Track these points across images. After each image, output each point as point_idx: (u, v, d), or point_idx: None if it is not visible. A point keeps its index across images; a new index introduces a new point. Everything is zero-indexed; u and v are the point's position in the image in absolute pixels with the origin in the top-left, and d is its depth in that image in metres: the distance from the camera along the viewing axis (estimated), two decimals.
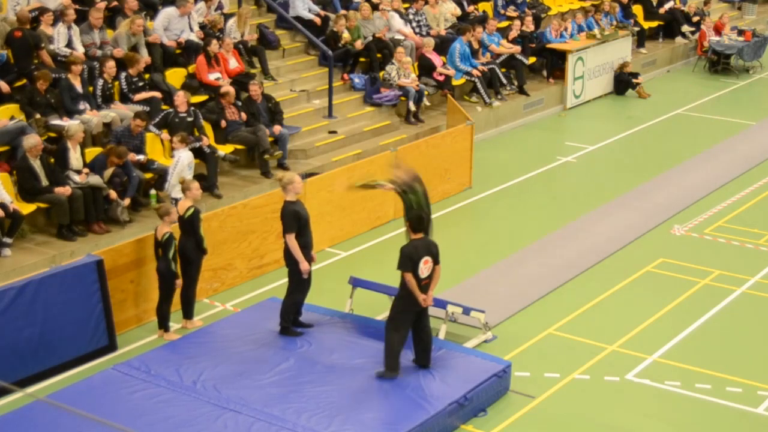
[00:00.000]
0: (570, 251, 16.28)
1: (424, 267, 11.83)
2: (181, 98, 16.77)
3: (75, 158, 15.20)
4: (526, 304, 14.49)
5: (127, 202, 15.44)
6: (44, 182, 14.74)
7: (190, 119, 16.79)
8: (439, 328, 13.26)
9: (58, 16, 17.04)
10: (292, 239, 12.63)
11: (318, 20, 21.38)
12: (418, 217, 12.12)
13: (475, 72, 22.06)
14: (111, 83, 16.80)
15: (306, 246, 12.77)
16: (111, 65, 16.70)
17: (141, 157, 15.94)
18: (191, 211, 13.24)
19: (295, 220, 12.64)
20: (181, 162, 15.22)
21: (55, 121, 15.83)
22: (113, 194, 15.22)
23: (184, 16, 18.86)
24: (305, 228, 12.78)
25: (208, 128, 17.44)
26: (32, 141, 14.67)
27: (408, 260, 11.76)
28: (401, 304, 11.94)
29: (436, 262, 11.99)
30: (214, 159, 16.77)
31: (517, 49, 23.25)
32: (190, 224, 13.23)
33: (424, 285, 11.87)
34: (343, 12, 21.82)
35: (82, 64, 16.43)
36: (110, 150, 15.45)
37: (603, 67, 25.22)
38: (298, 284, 12.85)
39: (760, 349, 13.57)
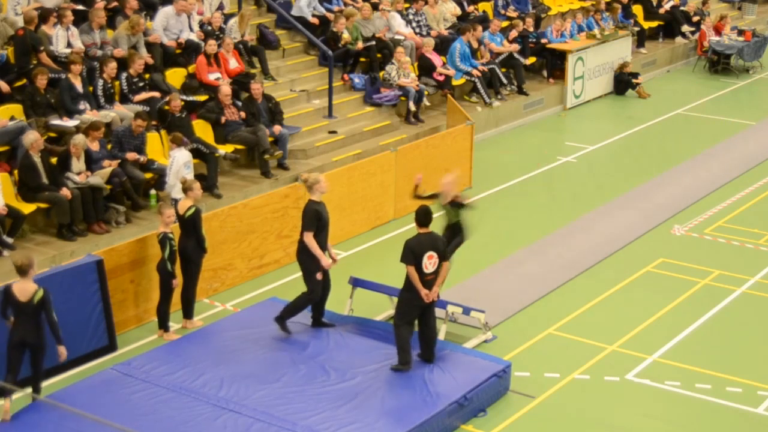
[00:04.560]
0: (570, 251, 16.28)
1: (429, 262, 11.84)
2: (176, 100, 16.80)
3: (77, 166, 15.20)
4: (526, 304, 14.49)
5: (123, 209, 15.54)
6: (45, 180, 14.75)
7: (184, 114, 16.89)
8: (439, 329, 13.26)
9: (57, 17, 17.03)
10: (310, 237, 12.65)
11: (316, 21, 21.37)
12: (425, 211, 12.04)
13: (475, 72, 22.06)
14: (111, 83, 16.80)
15: (321, 247, 12.77)
16: (113, 66, 16.71)
17: (141, 157, 15.93)
18: (192, 210, 13.25)
19: (315, 219, 12.69)
20: (177, 161, 15.22)
21: (55, 121, 15.84)
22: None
23: (181, 15, 18.83)
24: (323, 230, 12.80)
25: (208, 128, 17.45)
26: (32, 137, 14.68)
27: (410, 253, 11.81)
28: (405, 298, 12.02)
29: (443, 258, 11.97)
30: (214, 159, 16.78)
31: (515, 47, 23.21)
32: (191, 224, 13.24)
33: (429, 280, 11.87)
34: (340, 8, 21.83)
35: (82, 63, 16.42)
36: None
37: (603, 67, 25.22)
38: (315, 284, 12.83)
39: (760, 349, 13.57)
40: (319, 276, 12.75)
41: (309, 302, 12.95)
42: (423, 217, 12.03)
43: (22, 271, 10.91)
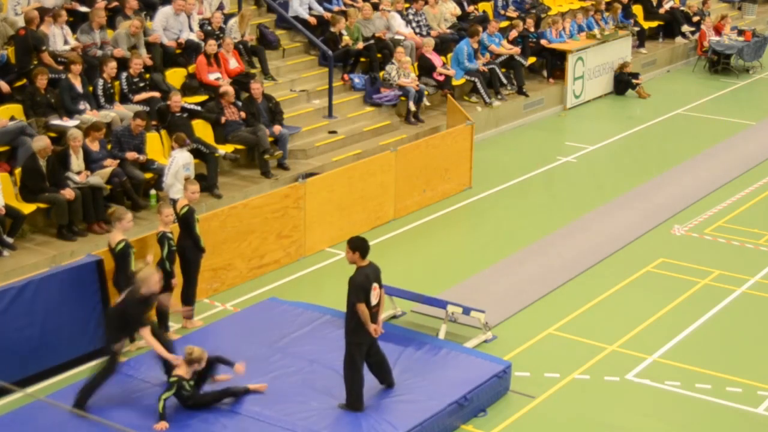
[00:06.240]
0: (570, 251, 16.28)
1: (374, 294, 11.11)
2: (176, 100, 16.80)
3: (77, 163, 15.21)
4: (526, 304, 14.49)
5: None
6: (47, 183, 14.76)
7: (185, 115, 16.89)
8: (439, 328, 13.27)
9: (53, 16, 17.03)
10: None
11: (313, 20, 21.37)
12: (363, 241, 11.19)
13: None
14: (111, 83, 16.80)
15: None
16: (113, 66, 16.71)
17: (141, 157, 15.93)
18: (185, 209, 13.26)
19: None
20: (176, 162, 15.24)
21: (55, 121, 15.84)
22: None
23: (180, 14, 18.82)
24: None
25: (208, 128, 17.46)
26: (41, 143, 14.70)
27: (361, 291, 10.97)
28: (355, 338, 11.17)
29: (380, 286, 11.26)
30: (214, 159, 16.78)
31: (516, 50, 23.28)
32: (185, 223, 13.25)
33: (374, 313, 11.19)
34: (340, 9, 21.83)
35: (81, 63, 16.41)
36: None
37: (603, 67, 25.22)
38: (116, 356, 11.20)
39: (760, 349, 13.57)
40: (117, 347, 11.20)
41: (108, 376, 11.19)
42: (364, 248, 11.12)
43: (110, 221, 12.91)
